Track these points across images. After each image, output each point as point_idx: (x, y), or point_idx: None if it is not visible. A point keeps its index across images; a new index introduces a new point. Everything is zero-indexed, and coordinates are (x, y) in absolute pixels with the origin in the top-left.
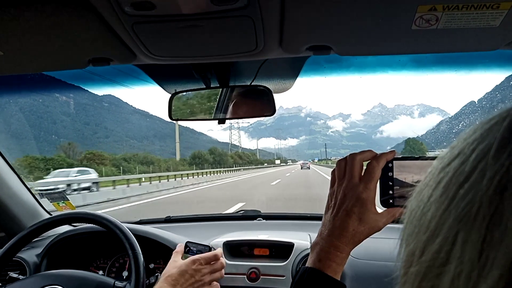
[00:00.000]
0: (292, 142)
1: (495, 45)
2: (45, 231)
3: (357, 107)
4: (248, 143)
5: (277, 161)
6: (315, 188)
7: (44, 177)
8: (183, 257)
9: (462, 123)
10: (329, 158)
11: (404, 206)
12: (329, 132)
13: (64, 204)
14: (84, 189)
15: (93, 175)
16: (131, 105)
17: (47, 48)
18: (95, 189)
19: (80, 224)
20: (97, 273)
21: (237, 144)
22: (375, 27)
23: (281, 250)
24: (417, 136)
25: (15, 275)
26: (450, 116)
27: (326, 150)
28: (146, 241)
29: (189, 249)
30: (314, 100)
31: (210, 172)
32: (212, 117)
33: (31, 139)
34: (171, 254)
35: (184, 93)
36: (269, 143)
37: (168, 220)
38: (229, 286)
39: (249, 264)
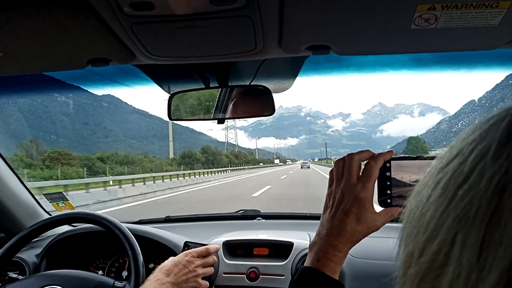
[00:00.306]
0: (292, 141)
1: (494, 44)
2: (44, 231)
3: (357, 107)
4: (248, 142)
5: (276, 161)
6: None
7: None
8: None
9: (461, 122)
10: (329, 157)
11: (403, 206)
12: (329, 131)
13: (63, 204)
14: None
15: None
16: (131, 105)
17: (46, 49)
18: None
19: (79, 224)
20: (97, 273)
21: (234, 143)
22: (374, 26)
23: (281, 249)
24: (417, 135)
25: (14, 275)
26: (450, 115)
27: (326, 150)
28: (145, 241)
29: (187, 249)
30: (314, 99)
31: (197, 173)
32: (212, 117)
33: (30, 139)
34: (170, 254)
35: (184, 93)
36: (268, 143)
37: (168, 220)
38: (228, 285)
39: (248, 264)
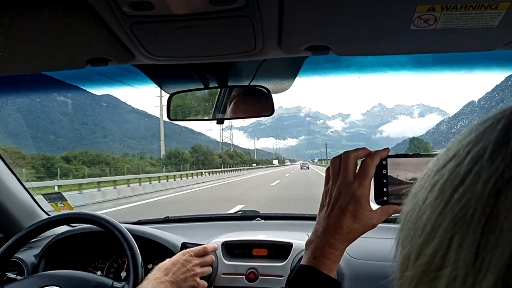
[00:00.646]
0: (291, 142)
1: (493, 45)
2: (43, 231)
3: (357, 107)
4: (247, 143)
5: (275, 161)
6: None
7: None
8: None
9: (461, 123)
10: (329, 158)
11: (399, 204)
12: (329, 132)
13: (62, 205)
14: None
15: None
16: (130, 105)
17: (45, 49)
18: None
19: (78, 224)
20: (95, 273)
21: (229, 142)
22: (374, 27)
23: (280, 250)
24: (417, 136)
25: (13, 276)
26: (449, 116)
27: (326, 150)
28: (144, 241)
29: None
30: (314, 100)
31: (180, 175)
32: (211, 117)
33: (28, 139)
34: (169, 254)
35: (183, 93)
36: (268, 143)
37: (167, 220)
38: (227, 286)
39: (247, 265)
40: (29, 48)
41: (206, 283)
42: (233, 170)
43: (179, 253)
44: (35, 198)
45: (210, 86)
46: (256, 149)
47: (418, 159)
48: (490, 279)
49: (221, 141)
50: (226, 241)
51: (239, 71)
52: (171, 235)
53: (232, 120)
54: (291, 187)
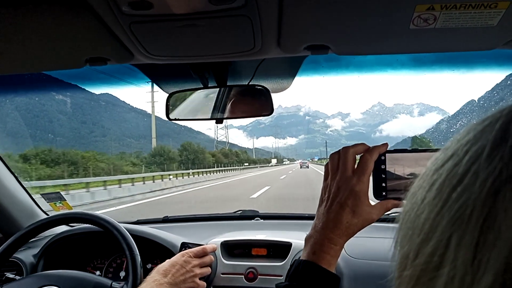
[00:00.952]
0: (291, 141)
1: (493, 45)
2: (42, 231)
3: (356, 106)
4: (246, 142)
5: (274, 160)
6: None
7: None
8: None
9: (460, 122)
10: (324, 158)
11: (397, 199)
12: (328, 131)
13: (61, 204)
14: None
15: None
16: (129, 104)
17: (44, 48)
18: None
19: (77, 224)
20: (94, 273)
21: (225, 140)
22: (373, 26)
23: (279, 250)
24: (417, 135)
25: (11, 276)
26: (449, 115)
27: (326, 149)
28: (143, 241)
29: (185, 249)
30: (313, 99)
31: (158, 177)
32: (210, 117)
33: (27, 138)
34: (168, 254)
35: (182, 93)
36: (267, 142)
37: (166, 220)
38: (226, 286)
39: (246, 264)
40: (28, 47)
41: (205, 284)
42: (221, 170)
43: (178, 254)
44: (34, 197)
45: (209, 85)
46: (256, 148)
47: (417, 154)
48: (488, 278)
49: (215, 139)
50: (225, 241)
51: (238, 71)
52: (170, 235)
53: (231, 119)
54: (282, 199)
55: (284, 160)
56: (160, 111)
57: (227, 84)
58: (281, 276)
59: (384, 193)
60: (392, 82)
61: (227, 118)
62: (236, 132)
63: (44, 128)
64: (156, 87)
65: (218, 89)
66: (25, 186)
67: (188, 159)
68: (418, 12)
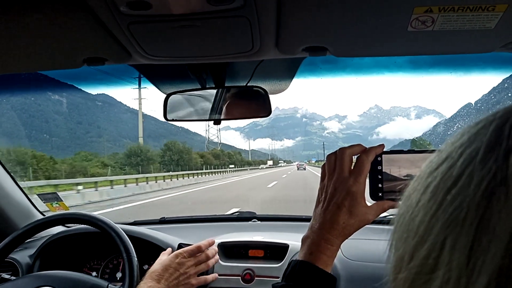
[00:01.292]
0: (288, 143)
1: (490, 47)
2: (38, 231)
3: (353, 109)
4: (243, 143)
5: (270, 162)
6: None
7: None
8: None
9: (457, 125)
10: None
11: (393, 199)
12: (325, 133)
13: (57, 205)
14: None
15: None
16: (125, 104)
17: (42, 48)
18: None
19: (73, 225)
20: (91, 274)
21: (216, 140)
22: (371, 28)
23: (276, 251)
24: (413, 138)
25: (7, 276)
26: (446, 118)
27: (324, 151)
28: (140, 242)
29: None
30: (310, 101)
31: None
32: (208, 118)
33: (22, 138)
34: None
35: (180, 94)
36: (264, 144)
37: (163, 221)
38: (223, 287)
39: (243, 265)
40: (26, 47)
41: (205, 278)
42: (197, 174)
43: (171, 256)
44: (30, 198)
45: (207, 86)
46: (252, 150)
47: (413, 155)
48: (483, 280)
49: (207, 139)
50: (222, 242)
51: (236, 72)
52: (167, 236)
53: (228, 121)
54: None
55: (279, 162)
56: (147, 109)
57: (225, 85)
58: (278, 277)
59: (380, 194)
60: (389, 84)
61: (225, 119)
62: (233, 133)
63: (39, 128)
64: (146, 85)
65: (216, 90)
66: (21, 186)
67: (171, 160)
68: (416, 15)
